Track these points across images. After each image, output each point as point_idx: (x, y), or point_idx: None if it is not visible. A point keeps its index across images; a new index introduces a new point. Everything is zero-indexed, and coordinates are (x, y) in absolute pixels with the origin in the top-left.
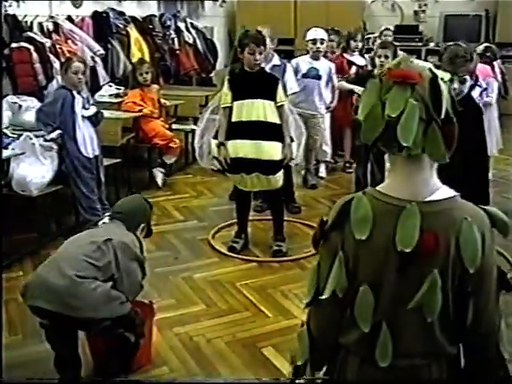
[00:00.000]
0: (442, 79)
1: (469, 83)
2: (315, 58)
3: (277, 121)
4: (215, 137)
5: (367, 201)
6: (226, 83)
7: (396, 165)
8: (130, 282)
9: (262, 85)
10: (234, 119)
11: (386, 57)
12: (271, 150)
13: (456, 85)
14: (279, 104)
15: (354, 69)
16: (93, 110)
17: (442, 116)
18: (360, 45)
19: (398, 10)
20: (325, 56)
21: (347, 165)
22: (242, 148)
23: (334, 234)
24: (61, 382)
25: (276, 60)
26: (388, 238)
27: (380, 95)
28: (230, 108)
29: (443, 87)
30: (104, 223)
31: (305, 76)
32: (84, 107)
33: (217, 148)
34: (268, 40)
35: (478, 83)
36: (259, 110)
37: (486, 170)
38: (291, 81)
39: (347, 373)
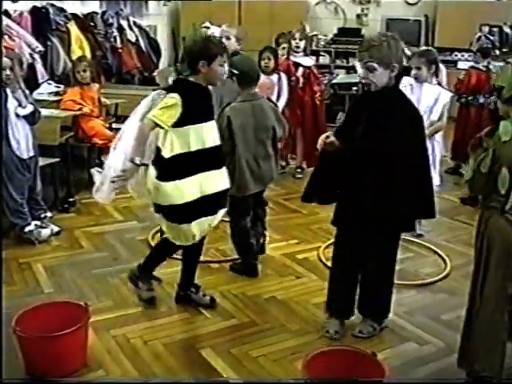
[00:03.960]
0: None
1: (383, 73)
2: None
3: None
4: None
5: None
6: (177, 99)
7: None
8: None
9: (210, 101)
10: (194, 148)
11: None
12: (223, 178)
13: (360, 70)
14: None
15: (300, 70)
16: (29, 108)
17: None
18: (301, 43)
19: (341, 12)
20: None
21: (298, 170)
22: (212, 182)
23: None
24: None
25: None
26: None
27: None
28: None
29: None
30: None
31: None
32: (20, 105)
33: (174, 191)
34: (233, 40)
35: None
36: (214, 132)
37: (430, 184)
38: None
39: None
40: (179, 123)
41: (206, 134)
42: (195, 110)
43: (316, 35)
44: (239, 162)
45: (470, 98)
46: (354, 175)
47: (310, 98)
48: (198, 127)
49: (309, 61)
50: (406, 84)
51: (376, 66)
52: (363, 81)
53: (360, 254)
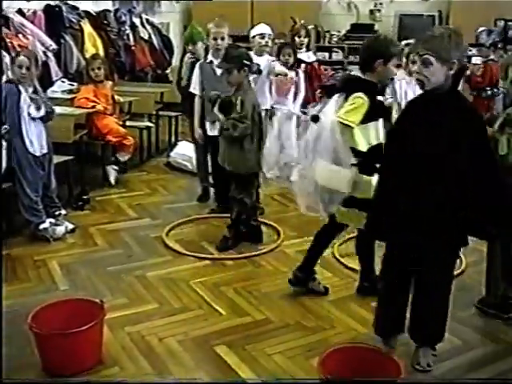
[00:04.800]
0: None
1: (440, 69)
2: (259, 53)
3: None
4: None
5: None
6: (364, 99)
7: None
8: None
9: None
10: (374, 141)
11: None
12: None
13: (415, 67)
14: None
15: (302, 66)
16: (43, 111)
17: None
18: (306, 40)
19: (353, 8)
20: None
21: None
22: None
23: None
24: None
25: None
26: None
27: None
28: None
29: None
30: None
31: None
32: (35, 106)
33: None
34: (227, 39)
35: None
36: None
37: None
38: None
39: None
40: (362, 121)
41: (380, 131)
42: (375, 108)
43: (315, 28)
44: (264, 142)
45: (494, 89)
46: (421, 186)
47: (312, 95)
48: (377, 123)
49: (310, 56)
50: (400, 78)
51: (432, 59)
52: (417, 76)
53: (411, 272)
